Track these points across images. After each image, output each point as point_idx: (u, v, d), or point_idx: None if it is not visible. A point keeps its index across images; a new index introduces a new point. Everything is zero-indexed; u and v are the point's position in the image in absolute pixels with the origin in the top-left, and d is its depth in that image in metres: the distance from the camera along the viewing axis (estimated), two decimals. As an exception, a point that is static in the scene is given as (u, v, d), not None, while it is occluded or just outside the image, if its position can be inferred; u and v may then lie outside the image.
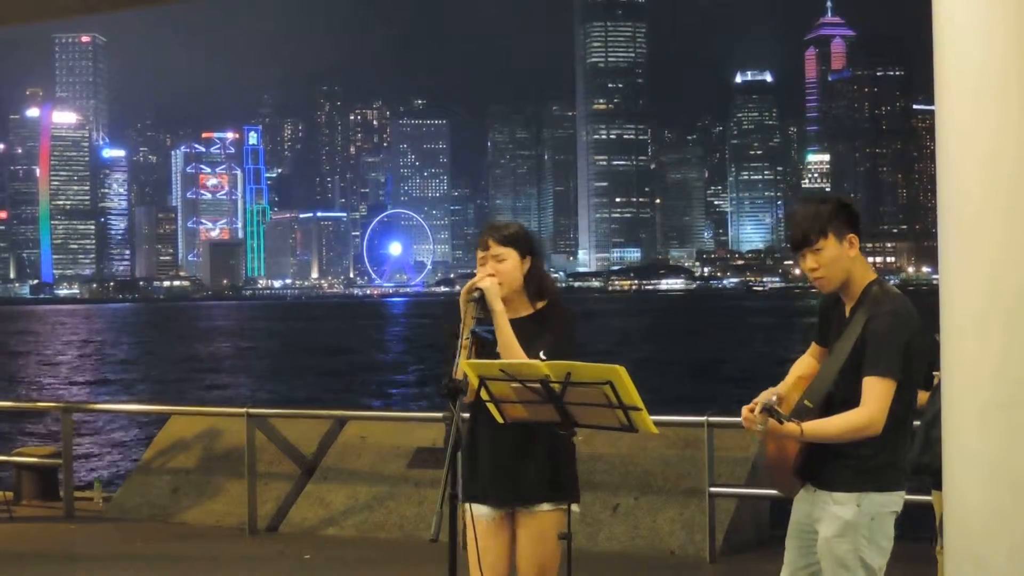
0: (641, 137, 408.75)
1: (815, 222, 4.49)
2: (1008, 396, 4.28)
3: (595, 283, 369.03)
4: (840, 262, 4.49)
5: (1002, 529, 4.29)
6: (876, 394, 4.32)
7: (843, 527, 4.42)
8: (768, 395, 4.41)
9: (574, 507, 5.05)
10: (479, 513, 5.03)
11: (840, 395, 4.41)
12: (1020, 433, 4.28)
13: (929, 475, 6.38)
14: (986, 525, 4.32)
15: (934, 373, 6.45)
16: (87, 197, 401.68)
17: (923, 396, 6.81)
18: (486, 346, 4.92)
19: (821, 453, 4.42)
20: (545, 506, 5.01)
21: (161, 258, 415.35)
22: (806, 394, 4.49)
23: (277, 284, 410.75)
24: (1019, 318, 4.29)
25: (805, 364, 4.77)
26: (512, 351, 4.85)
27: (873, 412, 4.31)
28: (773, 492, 5.41)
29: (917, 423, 6.74)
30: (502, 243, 5.03)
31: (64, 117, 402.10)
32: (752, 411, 4.32)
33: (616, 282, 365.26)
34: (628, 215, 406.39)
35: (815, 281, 4.58)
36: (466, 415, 5.01)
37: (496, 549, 5.04)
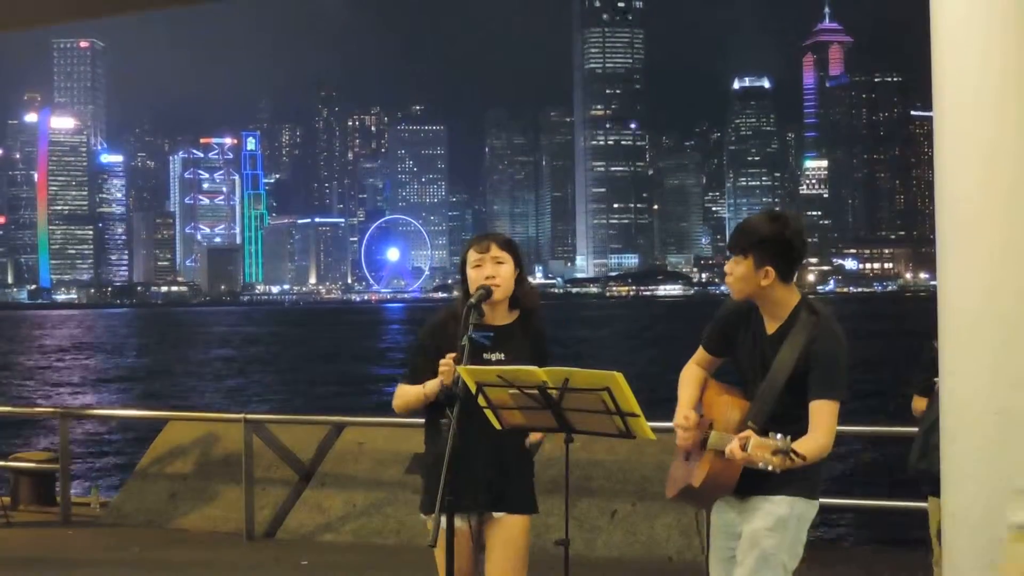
0: (639, 143, 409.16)
1: (744, 239, 4.52)
2: (1005, 401, 4.29)
3: (593, 289, 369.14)
4: (747, 283, 4.52)
5: (999, 534, 4.30)
6: (828, 417, 4.37)
7: (775, 522, 4.47)
8: (780, 440, 4.23)
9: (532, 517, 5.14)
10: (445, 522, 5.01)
11: (780, 415, 4.41)
12: (1017, 438, 4.29)
13: (927, 482, 6.38)
14: (983, 530, 4.37)
15: (934, 380, 6.46)
16: (85, 202, 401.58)
17: (920, 402, 6.82)
18: (482, 352, 4.93)
19: (766, 471, 4.40)
20: (515, 514, 5.05)
21: (159, 263, 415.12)
22: (750, 416, 4.47)
23: (275, 290, 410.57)
24: (1016, 323, 4.29)
25: (696, 376, 4.80)
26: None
27: (830, 436, 4.37)
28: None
29: (915, 429, 6.78)
30: (503, 248, 5.08)
31: (62, 122, 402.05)
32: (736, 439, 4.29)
33: (614, 288, 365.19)
34: (626, 221, 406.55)
35: (727, 284, 4.63)
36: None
37: (464, 556, 5.03)
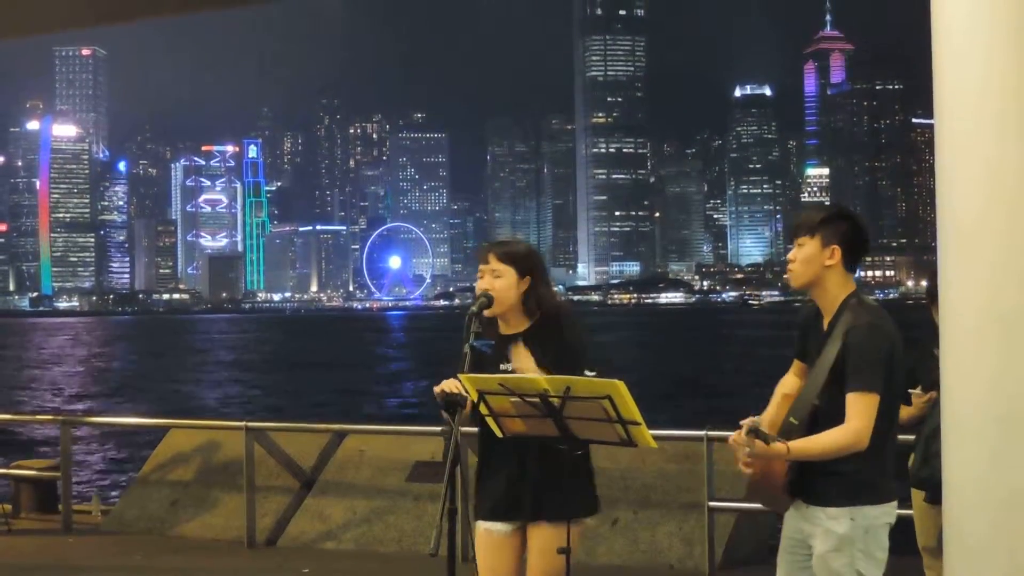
0: (640, 150, 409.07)
1: (811, 219, 4.55)
2: (1006, 409, 4.29)
3: (594, 297, 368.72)
4: (813, 264, 4.52)
5: (1001, 542, 4.30)
6: (860, 409, 4.31)
7: (838, 541, 4.41)
8: (751, 420, 4.38)
9: (588, 520, 5.14)
10: (490, 528, 5.05)
11: (824, 410, 4.40)
12: (1018, 445, 4.29)
13: (928, 489, 6.38)
14: (985, 537, 4.37)
15: (910, 391, 6.51)
16: (87, 210, 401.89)
17: (904, 411, 6.86)
18: (484, 360, 4.93)
19: (810, 469, 4.42)
20: (556, 521, 5.01)
21: (160, 271, 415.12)
22: (791, 412, 4.49)
23: (276, 297, 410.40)
24: (1017, 331, 4.29)
25: (788, 383, 4.77)
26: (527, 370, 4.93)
27: (859, 428, 4.30)
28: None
29: (911, 436, 6.79)
30: (502, 259, 5.08)
31: (64, 130, 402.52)
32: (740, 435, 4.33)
33: (615, 296, 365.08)
34: (627, 228, 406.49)
35: (788, 273, 4.63)
36: (474, 429, 5.05)
37: (505, 565, 5.05)
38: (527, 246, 5.23)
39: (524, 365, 4.90)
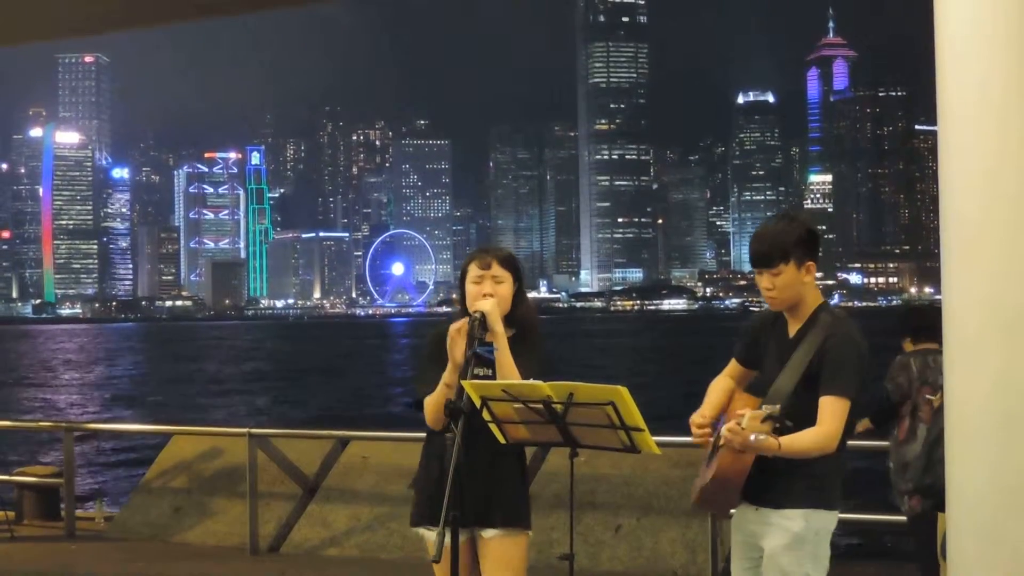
0: (643, 157, 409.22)
1: (779, 245, 4.53)
2: (1010, 413, 4.30)
3: (597, 303, 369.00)
4: (794, 287, 4.56)
5: (1004, 543, 4.31)
6: (834, 413, 4.38)
7: (792, 540, 4.47)
8: (775, 407, 4.38)
9: (530, 533, 5.08)
10: (430, 537, 4.91)
11: (796, 412, 4.42)
12: (1021, 448, 4.30)
13: (931, 496, 6.38)
14: (988, 545, 4.37)
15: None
16: (90, 217, 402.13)
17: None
18: (483, 366, 4.92)
19: (773, 469, 4.45)
20: (512, 530, 4.98)
21: (163, 278, 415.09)
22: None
23: (279, 304, 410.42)
24: (1020, 336, 4.31)
25: (722, 386, 4.81)
26: (510, 374, 4.85)
27: (830, 432, 4.37)
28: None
29: (886, 443, 6.87)
30: (503, 265, 5.06)
31: (67, 137, 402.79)
32: (733, 424, 4.32)
33: (618, 302, 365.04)
34: (630, 235, 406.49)
35: (767, 300, 4.64)
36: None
37: (466, 572, 4.98)
38: (512, 252, 5.26)
39: (507, 373, 4.86)
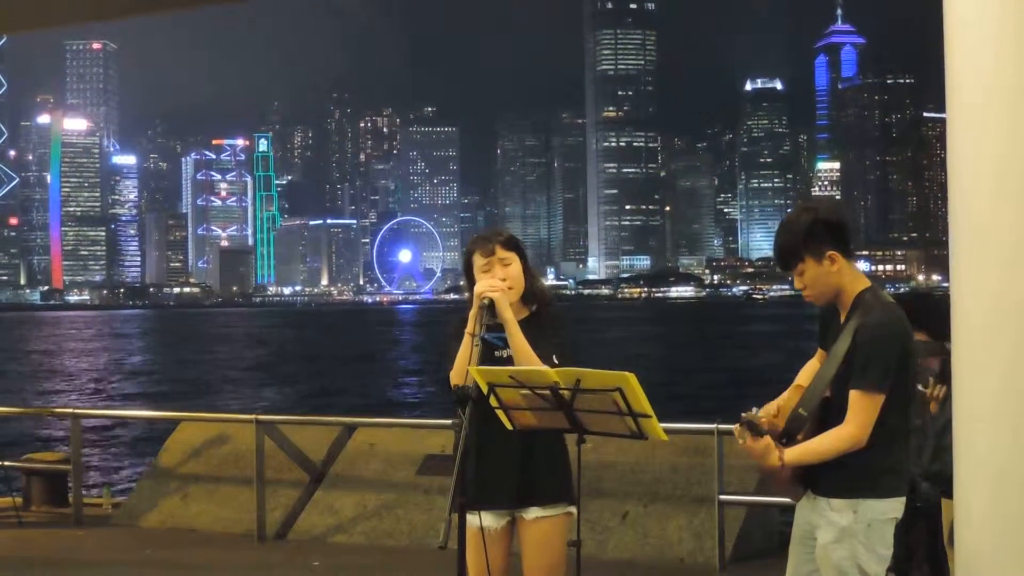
0: (651, 145, 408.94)
1: (790, 247, 4.51)
2: (1018, 402, 4.27)
3: (605, 291, 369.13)
4: (823, 279, 4.51)
5: (1013, 536, 4.28)
6: (860, 409, 4.33)
7: (839, 533, 4.42)
8: (751, 413, 4.36)
9: (573, 510, 5.08)
10: (481, 520, 4.99)
11: (835, 403, 4.41)
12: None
13: (940, 483, 6.37)
14: (996, 532, 4.36)
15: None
16: (97, 203, 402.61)
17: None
18: (493, 352, 4.92)
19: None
20: (549, 510, 5.01)
21: (171, 264, 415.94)
22: (800, 402, 4.49)
23: (287, 291, 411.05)
24: (1030, 325, 4.27)
25: (808, 371, 4.77)
26: (527, 358, 4.84)
27: (854, 431, 4.32)
28: (783, 500, 5.41)
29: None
30: (506, 247, 5.05)
31: (75, 124, 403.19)
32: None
33: (626, 290, 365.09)
34: (638, 223, 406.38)
35: (807, 298, 4.61)
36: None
37: (499, 556, 5.02)
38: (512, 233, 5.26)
39: (523, 358, 4.85)
